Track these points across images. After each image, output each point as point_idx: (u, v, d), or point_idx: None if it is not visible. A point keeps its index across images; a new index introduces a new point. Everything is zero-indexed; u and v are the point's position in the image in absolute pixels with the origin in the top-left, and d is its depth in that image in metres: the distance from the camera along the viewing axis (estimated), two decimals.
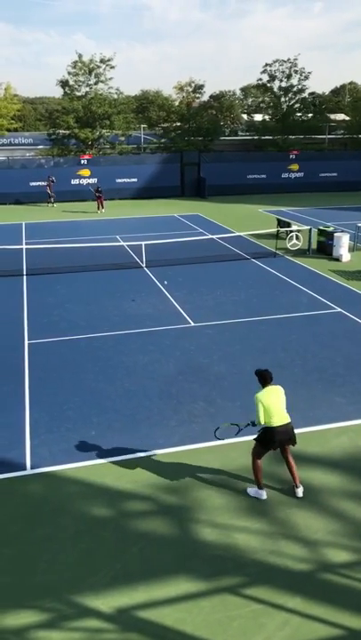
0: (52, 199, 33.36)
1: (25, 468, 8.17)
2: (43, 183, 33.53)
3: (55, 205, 33.21)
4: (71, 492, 7.64)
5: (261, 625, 5.61)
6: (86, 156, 36.56)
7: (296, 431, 7.65)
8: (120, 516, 7.19)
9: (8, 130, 44.39)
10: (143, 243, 20.09)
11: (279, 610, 5.78)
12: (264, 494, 7.42)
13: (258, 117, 51.97)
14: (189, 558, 6.47)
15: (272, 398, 7.19)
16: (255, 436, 7.46)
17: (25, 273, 18.82)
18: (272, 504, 7.37)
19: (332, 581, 6.15)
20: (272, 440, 7.23)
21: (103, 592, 6.02)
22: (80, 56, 40.05)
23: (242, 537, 6.78)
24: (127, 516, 7.19)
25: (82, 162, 35.69)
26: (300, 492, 7.45)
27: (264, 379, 7.31)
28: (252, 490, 7.51)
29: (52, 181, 33.08)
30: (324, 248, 20.83)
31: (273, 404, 7.16)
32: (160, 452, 8.49)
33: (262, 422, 7.15)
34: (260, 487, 7.45)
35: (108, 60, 40.24)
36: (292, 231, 22.07)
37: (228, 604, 5.85)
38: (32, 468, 8.18)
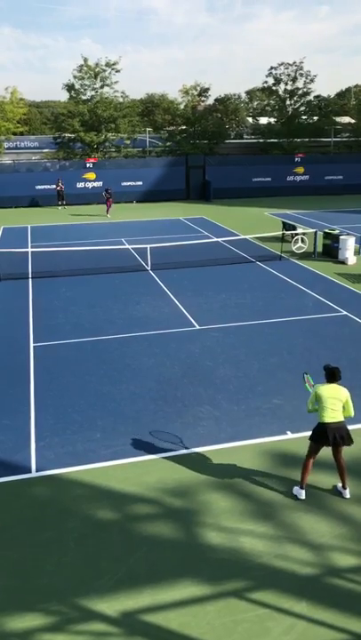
0: (64, 202, 33.55)
1: (30, 471, 8.17)
2: (52, 186, 33.74)
3: (66, 208, 33.36)
4: (76, 495, 7.64)
5: (267, 629, 5.58)
6: (92, 160, 36.67)
7: (300, 435, 7.66)
8: (125, 519, 7.18)
9: (14, 133, 44.54)
10: (148, 246, 20.11)
11: (285, 614, 5.75)
12: (303, 494, 7.46)
13: (263, 120, 52.03)
14: (195, 562, 6.45)
15: (328, 393, 7.28)
16: (310, 435, 7.51)
17: (30, 276, 18.87)
18: (278, 507, 7.34)
19: (338, 586, 6.12)
20: (324, 435, 7.25)
21: (108, 595, 6.01)
22: (86, 60, 40.26)
23: (247, 540, 6.75)
24: (132, 519, 7.18)
25: (87, 165, 35.81)
26: (347, 493, 7.52)
27: (332, 375, 7.39)
28: (295, 488, 7.58)
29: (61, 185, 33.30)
30: (330, 251, 20.79)
31: (328, 399, 7.24)
32: (165, 455, 8.47)
33: (309, 409, 7.34)
34: (301, 486, 7.53)
35: (114, 64, 40.40)
36: (297, 234, 22.04)
37: (234, 608, 5.83)
38: (37, 470, 8.19)
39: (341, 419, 7.28)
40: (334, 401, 7.27)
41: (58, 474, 8.09)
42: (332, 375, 7.40)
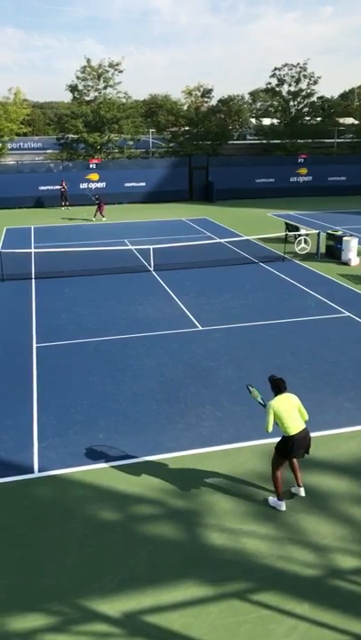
0: (67, 202, 33.59)
1: (33, 471, 8.18)
2: (55, 187, 33.78)
3: (69, 209, 33.39)
4: (79, 496, 7.64)
5: (269, 631, 5.57)
6: (95, 161, 36.69)
7: None
8: (127, 519, 7.18)
9: (18, 134, 44.64)
10: (151, 246, 20.11)
11: (287, 616, 5.74)
12: (283, 505, 7.30)
13: (266, 121, 52.00)
14: (197, 563, 6.45)
15: (285, 406, 7.11)
16: (275, 446, 7.36)
17: (34, 276, 18.90)
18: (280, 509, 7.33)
19: (340, 587, 6.10)
20: (292, 449, 7.14)
21: (110, 596, 6.01)
22: (89, 61, 40.34)
23: (250, 542, 6.75)
24: (135, 519, 7.18)
25: (90, 166, 35.83)
26: (302, 491, 7.50)
27: (278, 387, 7.22)
28: (272, 499, 7.42)
29: (64, 186, 33.30)
30: (333, 252, 20.76)
31: (287, 412, 7.07)
32: (168, 456, 8.47)
33: (270, 430, 7.06)
34: (279, 498, 7.35)
35: (117, 65, 40.47)
36: (300, 235, 22.03)
37: (236, 610, 5.82)
38: (40, 471, 8.20)
39: (303, 426, 7.18)
40: (293, 411, 7.13)
41: (60, 474, 8.09)
42: (278, 387, 7.21)
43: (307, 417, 7.32)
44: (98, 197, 30.90)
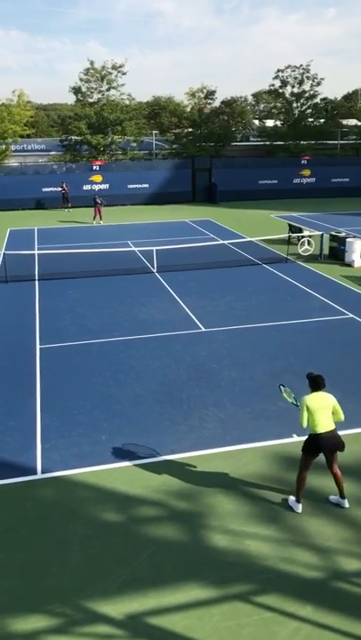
0: (69, 204, 33.55)
1: (36, 473, 8.19)
2: (59, 189, 33.73)
3: (71, 210, 33.37)
4: (81, 497, 7.64)
5: (272, 633, 5.55)
6: (98, 162, 36.74)
7: (306, 438, 7.63)
8: (130, 521, 7.18)
9: (21, 136, 44.71)
10: (154, 248, 20.13)
11: (290, 618, 5.72)
12: (300, 508, 7.25)
13: (269, 123, 51.95)
14: (200, 564, 6.43)
15: (318, 403, 7.08)
16: (302, 447, 7.33)
17: (37, 278, 18.93)
18: (283, 511, 7.31)
19: (343, 590, 6.08)
20: (317, 448, 7.11)
21: (113, 597, 6.00)
22: (92, 63, 40.40)
23: (253, 543, 6.73)
24: (137, 521, 7.17)
25: (94, 168, 35.88)
26: (345, 503, 7.34)
27: (316, 384, 7.21)
28: (291, 499, 7.40)
29: (65, 188, 33.23)
30: (336, 254, 20.74)
31: (317, 410, 7.04)
32: (171, 458, 8.46)
33: (304, 426, 7.04)
34: (297, 499, 7.31)
35: (120, 67, 40.52)
36: (303, 236, 22.01)
37: (239, 612, 5.81)
38: (43, 472, 8.20)
39: (333, 427, 7.13)
40: (325, 410, 7.09)
41: (63, 475, 8.10)
42: (317, 384, 7.20)
43: (342, 418, 7.24)
44: (97, 199, 30.64)
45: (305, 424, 7.06)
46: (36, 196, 34.89)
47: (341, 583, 6.16)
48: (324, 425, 7.06)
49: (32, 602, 6.00)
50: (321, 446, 7.08)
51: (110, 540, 6.83)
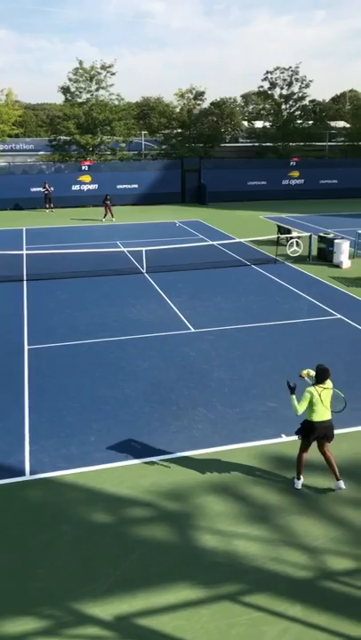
0: (52, 205, 33.26)
1: (24, 474, 8.14)
2: (41, 189, 33.48)
3: (54, 211, 33.14)
4: (70, 498, 7.61)
5: (261, 633, 5.57)
6: (87, 162, 36.64)
7: (294, 438, 7.86)
8: (119, 522, 7.16)
9: (9, 136, 44.62)
10: (144, 249, 20.11)
11: (279, 618, 5.74)
12: (299, 484, 7.74)
13: (258, 124, 52.21)
14: (189, 565, 6.44)
15: (326, 393, 7.47)
16: (296, 431, 7.76)
17: (25, 278, 18.83)
18: (272, 510, 7.34)
19: (332, 589, 6.12)
20: (314, 432, 7.51)
21: (102, 599, 5.99)
22: (81, 63, 40.34)
23: (242, 544, 6.75)
24: (127, 522, 7.16)
25: (82, 168, 35.78)
26: (341, 484, 7.68)
27: (324, 375, 7.49)
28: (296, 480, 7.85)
29: (48, 188, 32.90)
30: (325, 255, 20.85)
31: (319, 402, 7.40)
32: (160, 459, 8.46)
33: (298, 414, 7.41)
34: (297, 477, 7.79)
35: (109, 67, 40.51)
36: (292, 238, 22.10)
37: (228, 612, 5.82)
38: (31, 473, 8.16)
39: (329, 417, 7.55)
40: (325, 402, 7.48)
41: (52, 477, 8.06)
42: (325, 375, 7.51)
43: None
44: (108, 197, 30.57)
45: (300, 413, 7.40)
46: (25, 195, 34.68)
47: (330, 582, 6.19)
48: (322, 415, 7.46)
49: (21, 604, 5.96)
50: (313, 433, 7.51)
51: (99, 542, 6.82)
